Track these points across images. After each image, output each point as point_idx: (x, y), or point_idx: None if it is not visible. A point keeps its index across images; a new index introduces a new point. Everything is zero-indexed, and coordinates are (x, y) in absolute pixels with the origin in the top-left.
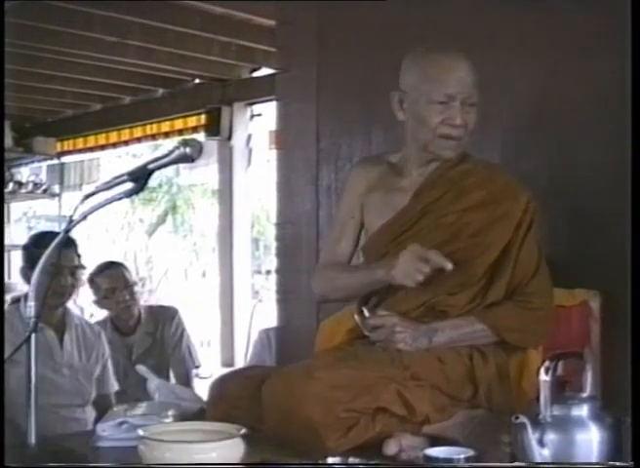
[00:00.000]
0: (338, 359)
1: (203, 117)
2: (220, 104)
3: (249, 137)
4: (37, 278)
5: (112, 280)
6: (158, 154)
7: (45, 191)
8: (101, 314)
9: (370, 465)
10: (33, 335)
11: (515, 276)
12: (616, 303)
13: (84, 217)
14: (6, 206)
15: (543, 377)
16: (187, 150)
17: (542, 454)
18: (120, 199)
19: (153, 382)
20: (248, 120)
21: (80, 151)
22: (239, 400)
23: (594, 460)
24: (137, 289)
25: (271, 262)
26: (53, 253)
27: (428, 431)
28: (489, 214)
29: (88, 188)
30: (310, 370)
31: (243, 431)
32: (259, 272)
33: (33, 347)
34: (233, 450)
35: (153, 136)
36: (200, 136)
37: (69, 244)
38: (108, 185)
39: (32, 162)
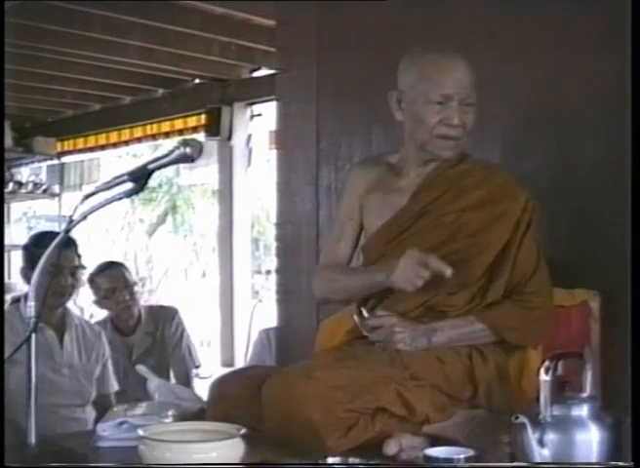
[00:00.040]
0: (337, 359)
1: (203, 117)
2: (219, 104)
3: (249, 137)
4: (37, 278)
5: (112, 280)
6: (158, 154)
7: (45, 191)
8: (101, 314)
9: (370, 465)
10: (33, 335)
11: (514, 275)
12: (616, 303)
13: (84, 217)
14: (6, 206)
15: (543, 377)
16: (187, 150)
17: (542, 454)
18: (120, 199)
19: (153, 382)
20: (248, 120)
21: (80, 151)
22: (239, 400)
23: (594, 460)
24: (137, 289)
25: (271, 262)
26: (53, 254)
27: (428, 431)
28: (487, 213)
29: (88, 188)
30: (310, 371)
31: (243, 431)
32: (259, 272)
33: (33, 347)
34: (233, 450)
35: (153, 137)
36: (200, 136)
37: (69, 244)
38: (108, 185)
39: (32, 162)
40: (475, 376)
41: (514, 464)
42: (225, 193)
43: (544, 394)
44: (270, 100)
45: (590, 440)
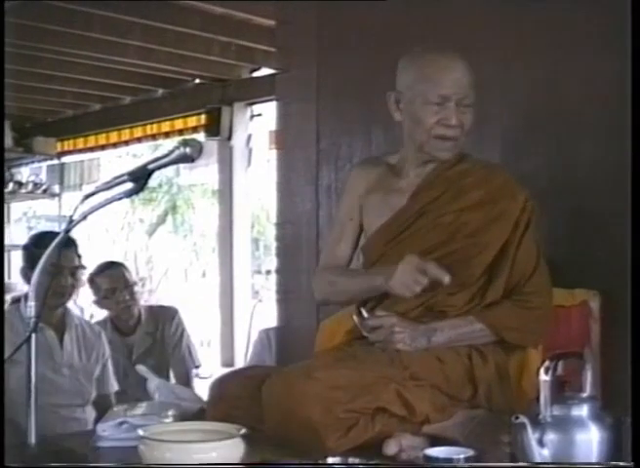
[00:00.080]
0: (337, 359)
1: (203, 117)
2: (220, 104)
3: (249, 137)
4: (37, 278)
5: (112, 280)
6: (158, 154)
7: (45, 191)
8: (102, 314)
9: (370, 465)
10: (33, 335)
11: (513, 275)
12: (616, 303)
13: (84, 217)
14: (6, 206)
15: (543, 377)
16: (187, 150)
17: (542, 454)
18: (120, 199)
19: (153, 382)
20: (248, 120)
21: (80, 151)
22: (239, 400)
23: (594, 460)
24: (137, 289)
25: (271, 262)
26: (53, 254)
27: (428, 431)
28: (486, 213)
29: (88, 188)
30: (310, 371)
31: (243, 431)
32: (259, 272)
33: (33, 347)
34: (233, 450)
35: (153, 137)
36: (200, 136)
37: (69, 244)
38: (108, 185)
39: (32, 162)
40: (475, 376)
41: (514, 464)
42: (225, 193)
43: (544, 394)
44: (270, 100)
45: (590, 440)
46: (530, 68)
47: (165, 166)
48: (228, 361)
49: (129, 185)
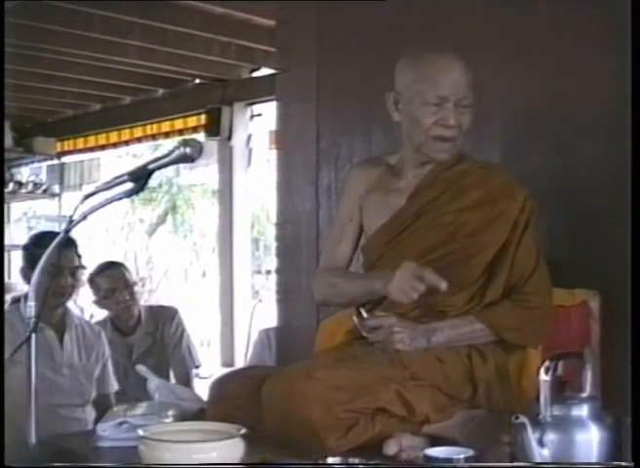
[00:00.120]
0: (337, 359)
1: (203, 117)
2: (220, 104)
3: (249, 137)
4: (37, 278)
5: (112, 280)
6: (158, 154)
7: (45, 191)
8: (102, 314)
9: (370, 465)
10: (33, 335)
11: (513, 275)
12: (616, 303)
13: (84, 217)
14: (6, 206)
15: (543, 377)
16: (187, 150)
17: (542, 454)
18: (120, 199)
19: (153, 382)
20: (248, 120)
21: (80, 151)
22: (239, 400)
23: (594, 460)
24: (137, 289)
25: (271, 262)
26: (53, 254)
27: (428, 431)
28: (486, 213)
29: (88, 188)
30: (310, 371)
31: (243, 431)
32: (259, 272)
33: (33, 347)
34: (233, 450)
35: (153, 137)
36: (200, 136)
37: (69, 244)
38: (108, 185)
39: (32, 162)
40: (475, 376)
41: (514, 464)
42: (225, 193)
43: (544, 394)
44: (270, 100)
45: (590, 440)
46: (530, 68)
47: (165, 166)
48: (228, 361)
49: (129, 185)
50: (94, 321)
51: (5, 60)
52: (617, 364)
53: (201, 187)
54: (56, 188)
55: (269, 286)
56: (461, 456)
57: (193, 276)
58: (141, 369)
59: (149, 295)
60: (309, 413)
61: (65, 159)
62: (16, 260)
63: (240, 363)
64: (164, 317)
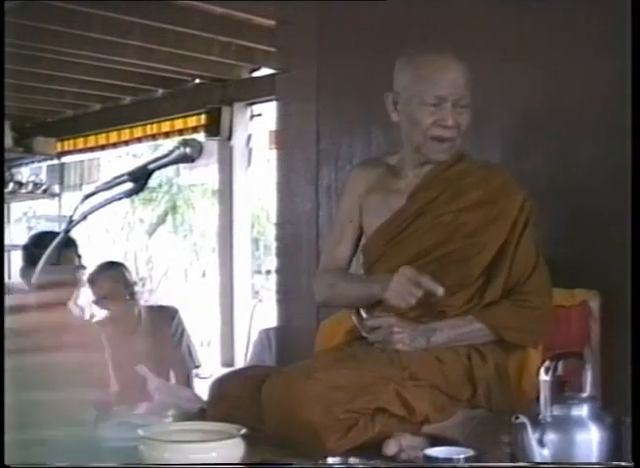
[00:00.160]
0: (337, 359)
1: (203, 117)
2: (220, 104)
3: (249, 137)
4: (37, 278)
5: (112, 280)
6: (158, 154)
7: (45, 191)
8: (102, 314)
9: (370, 465)
10: None
11: (512, 275)
12: (616, 303)
13: (84, 217)
14: (6, 206)
15: (543, 377)
16: (187, 150)
17: (542, 454)
18: (120, 199)
19: (153, 382)
20: (248, 120)
21: (80, 151)
22: (239, 400)
23: (594, 460)
24: (137, 289)
25: (271, 262)
26: (53, 254)
27: (428, 431)
28: (485, 213)
29: (88, 188)
30: (310, 371)
31: (243, 431)
32: (259, 272)
33: None
34: (233, 450)
35: (153, 137)
36: (200, 136)
37: (69, 244)
38: (108, 185)
39: (32, 162)
40: (474, 376)
41: (514, 464)
42: (225, 193)
43: (544, 394)
44: (270, 100)
45: (590, 440)
46: (530, 68)
47: (165, 166)
48: (228, 361)
49: (129, 185)
50: (94, 321)
51: (5, 60)
52: (617, 364)
53: (201, 187)
54: (56, 188)
55: (269, 286)
56: (461, 456)
57: (193, 276)
58: (141, 369)
59: (149, 295)
60: (309, 414)
61: (65, 159)
62: (16, 260)
63: (240, 363)
64: (164, 317)
